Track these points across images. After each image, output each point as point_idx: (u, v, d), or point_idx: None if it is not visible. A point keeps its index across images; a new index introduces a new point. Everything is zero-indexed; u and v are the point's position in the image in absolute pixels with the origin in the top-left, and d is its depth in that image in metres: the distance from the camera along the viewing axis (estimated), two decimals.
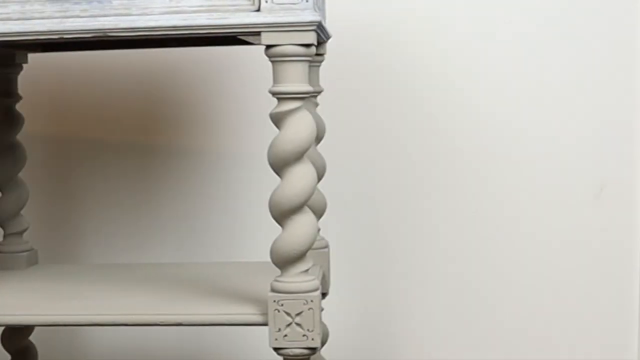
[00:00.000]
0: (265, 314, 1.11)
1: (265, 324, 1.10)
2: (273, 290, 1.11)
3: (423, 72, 1.63)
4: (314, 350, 1.11)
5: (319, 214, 1.31)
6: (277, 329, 1.10)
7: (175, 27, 1.08)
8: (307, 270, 1.11)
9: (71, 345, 1.72)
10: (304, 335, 1.10)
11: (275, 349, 1.11)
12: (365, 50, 1.62)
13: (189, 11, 1.08)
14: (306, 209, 1.10)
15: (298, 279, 1.10)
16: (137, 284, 1.29)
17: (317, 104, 1.32)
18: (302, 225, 1.09)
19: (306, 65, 1.08)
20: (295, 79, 1.07)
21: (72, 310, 1.16)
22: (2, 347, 1.45)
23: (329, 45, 1.36)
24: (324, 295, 1.33)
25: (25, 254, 1.41)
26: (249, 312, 1.13)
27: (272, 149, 1.08)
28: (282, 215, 1.09)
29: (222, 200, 1.68)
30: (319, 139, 1.32)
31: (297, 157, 1.08)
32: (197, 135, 1.68)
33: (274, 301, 1.10)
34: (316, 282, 1.12)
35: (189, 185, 1.68)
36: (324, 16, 1.27)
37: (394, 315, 1.68)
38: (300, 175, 1.08)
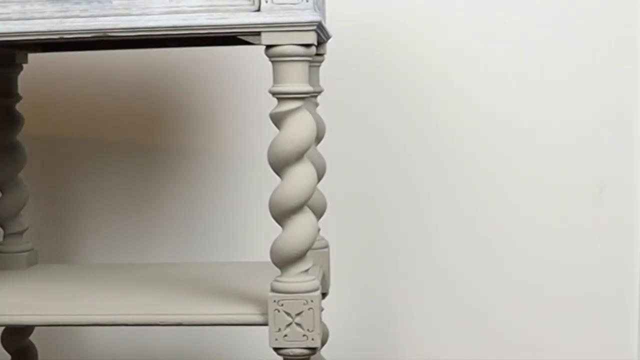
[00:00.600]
0: (265, 314, 1.11)
1: (265, 324, 1.10)
2: (273, 290, 1.11)
3: (423, 72, 1.63)
4: (314, 350, 1.11)
5: (319, 214, 1.31)
6: (277, 329, 1.10)
7: (175, 27, 1.08)
8: (307, 270, 1.11)
9: (71, 345, 1.72)
10: (304, 335, 1.10)
11: (275, 349, 1.11)
12: (365, 50, 1.62)
13: (189, 11, 1.08)
14: (306, 209, 1.10)
15: (298, 279, 1.10)
16: (137, 284, 1.29)
17: (317, 104, 1.32)
18: (302, 225, 1.09)
19: (306, 65, 1.08)
20: (295, 79, 1.07)
21: (72, 310, 1.16)
22: (2, 347, 1.45)
23: (329, 45, 1.36)
24: (324, 295, 1.33)
25: (25, 254, 1.41)
26: (249, 312, 1.13)
27: (272, 149, 1.08)
28: (282, 215, 1.09)
29: (222, 200, 1.68)
30: (319, 139, 1.32)
31: (297, 157, 1.08)
32: (197, 135, 1.68)
33: (274, 301, 1.10)
34: (316, 282, 1.12)
35: (189, 186, 1.68)
36: (324, 16, 1.27)
37: (394, 315, 1.68)
38: (300, 175, 1.08)
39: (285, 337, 1.10)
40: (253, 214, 1.66)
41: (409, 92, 1.63)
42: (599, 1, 1.60)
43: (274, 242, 1.10)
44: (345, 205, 1.63)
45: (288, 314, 1.09)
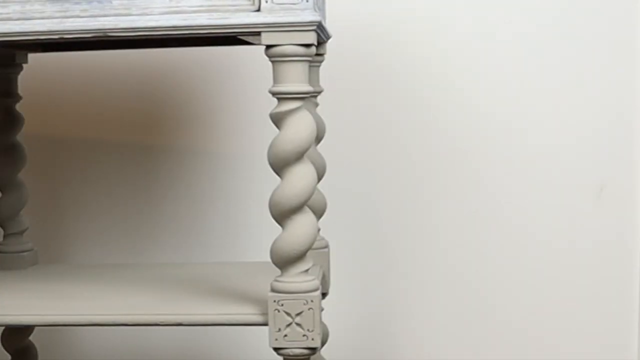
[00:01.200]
0: (265, 314, 1.11)
1: (265, 324, 1.10)
2: (273, 290, 1.11)
3: (423, 72, 1.63)
4: (314, 350, 1.11)
5: (319, 214, 1.31)
6: (277, 329, 1.10)
7: (175, 27, 1.08)
8: (307, 270, 1.11)
9: (71, 345, 1.72)
10: (304, 335, 1.10)
11: (275, 349, 1.11)
12: (365, 50, 1.62)
13: (189, 11, 1.08)
14: (306, 209, 1.10)
15: (298, 279, 1.10)
16: (137, 284, 1.29)
17: (317, 104, 1.32)
18: (302, 225, 1.09)
19: (306, 65, 1.08)
20: (295, 79, 1.07)
21: (72, 310, 1.16)
22: (2, 347, 1.45)
23: (329, 45, 1.36)
24: (324, 295, 1.33)
25: (25, 254, 1.41)
26: (249, 312, 1.13)
27: (272, 149, 1.08)
28: (282, 215, 1.09)
29: (223, 200, 1.68)
30: (319, 139, 1.32)
31: (297, 157, 1.08)
32: (197, 135, 1.68)
33: (274, 301, 1.10)
34: (316, 282, 1.12)
35: (189, 185, 1.68)
36: (324, 16, 1.27)
37: (394, 315, 1.68)
38: (300, 175, 1.08)
39: (285, 337, 1.10)
40: (253, 214, 1.66)
41: (409, 92, 1.63)
42: (599, 1, 1.60)
43: (274, 242, 1.10)
44: (345, 205, 1.63)
45: (288, 314, 1.09)
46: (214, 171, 1.68)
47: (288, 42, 1.06)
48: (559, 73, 1.61)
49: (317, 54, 1.22)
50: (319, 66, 1.33)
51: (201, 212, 1.68)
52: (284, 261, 1.10)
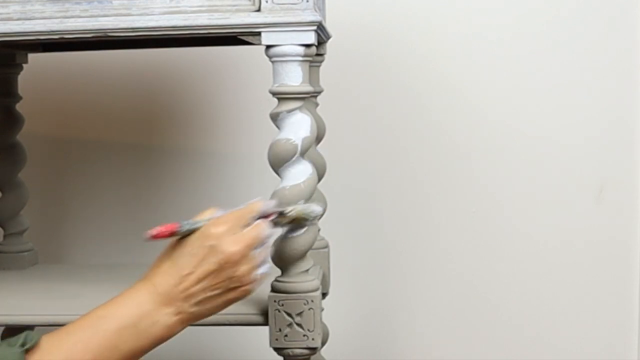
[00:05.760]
0: (265, 314, 1.11)
1: (266, 324, 1.11)
2: (273, 290, 1.11)
3: (423, 72, 1.62)
4: (314, 350, 1.11)
5: None
6: (277, 329, 1.10)
7: (175, 27, 1.08)
8: (307, 270, 1.11)
9: None
10: (304, 335, 1.10)
11: (276, 349, 1.11)
12: (365, 50, 1.62)
13: (189, 11, 1.08)
14: None
15: (298, 279, 1.10)
16: None
17: (317, 104, 1.32)
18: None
19: (306, 65, 1.08)
20: (295, 79, 1.07)
21: (72, 310, 1.16)
22: None
23: (329, 45, 1.36)
24: (324, 295, 1.33)
25: (25, 254, 1.41)
26: (249, 312, 1.13)
27: (272, 149, 1.08)
28: None
29: (222, 200, 1.67)
30: (319, 139, 1.32)
31: (298, 156, 1.08)
32: (197, 135, 1.68)
33: (275, 301, 1.10)
34: (316, 282, 1.12)
35: (189, 185, 1.68)
36: (324, 16, 1.27)
37: (394, 315, 1.68)
38: (300, 175, 1.08)
39: (286, 337, 1.10)
40: None
41: (408, 92, 1.63)
42: (599, 2, 1.60)
43: (274, 242, 1.10)
44: (345, 205, 1.63)
45: (288, 314, 1.09)
46: (214, 171, 1.68)
47: (288, 42, 1.06)
48: (560, 73, 1.61)
49: (317, 54, 1.22)
50: (319, 66, 1.33)
51: (201, 212, 1.68)
52: (284, 261, 1.10)
